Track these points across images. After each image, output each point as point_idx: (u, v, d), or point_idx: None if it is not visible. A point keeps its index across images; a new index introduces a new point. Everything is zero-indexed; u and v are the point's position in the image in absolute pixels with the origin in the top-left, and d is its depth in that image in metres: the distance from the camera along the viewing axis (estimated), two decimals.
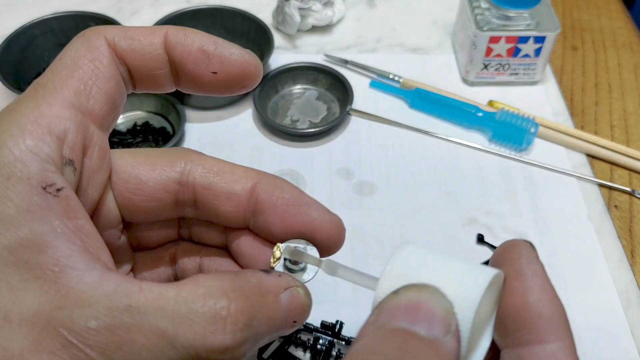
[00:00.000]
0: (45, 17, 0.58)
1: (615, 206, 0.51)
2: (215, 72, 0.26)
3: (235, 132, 0.55)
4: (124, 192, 0.26)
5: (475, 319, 0.20)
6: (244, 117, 0.57)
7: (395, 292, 0.21)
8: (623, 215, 0.50)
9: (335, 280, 0.45)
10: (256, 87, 0.55)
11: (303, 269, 0.26)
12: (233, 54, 0.26)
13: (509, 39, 0.56)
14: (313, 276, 0.26)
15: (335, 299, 0.44)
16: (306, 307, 0.25)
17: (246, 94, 0.58)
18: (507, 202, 0.50)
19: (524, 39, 0.56)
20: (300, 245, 0.26)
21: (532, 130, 0.53)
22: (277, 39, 0.63)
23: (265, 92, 0.57)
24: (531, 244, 0.23)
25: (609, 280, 0.46)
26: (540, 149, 0.55)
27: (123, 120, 0.55)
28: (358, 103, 0.57)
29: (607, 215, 0.50)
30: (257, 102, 0.55)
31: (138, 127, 0.55)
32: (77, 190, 0.23)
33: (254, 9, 0.62)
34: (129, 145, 0.54)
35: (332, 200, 0.50)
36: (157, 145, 0.53)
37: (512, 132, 0.53)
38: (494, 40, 0.56)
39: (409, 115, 0.57)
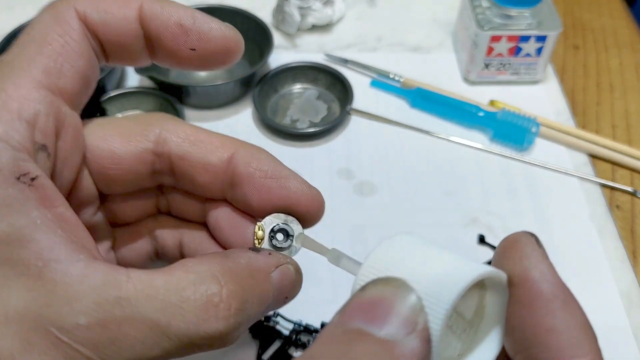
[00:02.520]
0: None
1: (617, 206, 0.50)
2: (193, 49, 0.24)
3: (234, 131, 0.55)
4: (99, 167, 0.24)
5: (446, 320, 0.18)
6: (244, 117, 0.56)
7: (362, 288, 0.19)
8: (625, 216, 0.50)
9: (335, 280, 0.45)
10: (256, 87, 0.56)
11: (289, 245, 0.25)
12: (212, 30, 0.25)
13: (510, 38, 0.56)
14: (298, 250, 0.25)
15: (336, 299, 0.44)
16: (297, 283, 0.25)
17: (245, 94, 0.58)
18: (508, 202, 0.50)
19: (525, 38, 0.56)
20: (280, 220, 0.25)
21: (534, 129, 0.53)
22: (277, 38, 0.62)
23: (264, 91, 0.57)
24: (536, 238, 0.21)
25: (611, 280, 0.45)
26: (541, 149, 0.54)
27: None
28: (358, 103, 0.57)
29: (609, 215, 0.49)
30: (257, 101, 0.55)
31: None
32: (52, 175, 0.22)
33: (254, 8, 0.62)
34: None
35: (332, 200, 0.50)
36: None
37: (513, 131, 0.53)
38: (495, 39, 0.56)
39: (410, 115, 0.57)
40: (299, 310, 0.43)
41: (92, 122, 0.25)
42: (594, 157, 0.54)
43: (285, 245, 0.25)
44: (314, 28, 0.65)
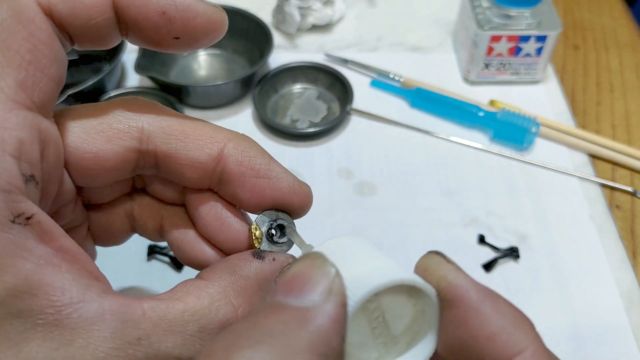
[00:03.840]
0: None
1: (617, 206, 0.50)
2: (177, 38, 0.22)
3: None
4: (79, 169, 0.23)
5: (362, 300, 0.18)
6: (244, 117, 0.56)
7: (288, 265, 0.20)
8: (625, 216, 0.50)
9: None
10: (256, 87, 0.56)
11: (287, 241, 0.25)
12: (198, 16, 0.22)
13: (510, 38, 0.56)
14: (292, 244, 0.26)
15: None
16: None
17: (246, 94, 0.58)
18: (508, 202, 0.50)
19: (525, 38, 0.56)
20: (272, 217, 0.25)
21: (534, 129, 0.53)
22: (277, 38, 0.62)
23: (265, 91, 0.57)
24: (442, 255, 0.21)
25: (611, 280, 0.45)
26: (541, 149, 0.54)
27: None
28: (358, 102, 0.57)
29: (609, 215, 0.49)
30: (257, 101, 0.55)
31: None
32: (40, 198, 0.21)
33: (254, 8, 0.62)
34: None
35: (332, 200, 0.50)
36: None
37: (513, 131, 0.53)
38: (495, 39, 0.56)
39: (410, 114, 0.57)
40: None
41: (68, 116, 0.23)
42: (594, 157, 0.54)
43: (282, 241, 0.25)
44: (314, 28, 0.65)
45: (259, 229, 0.25)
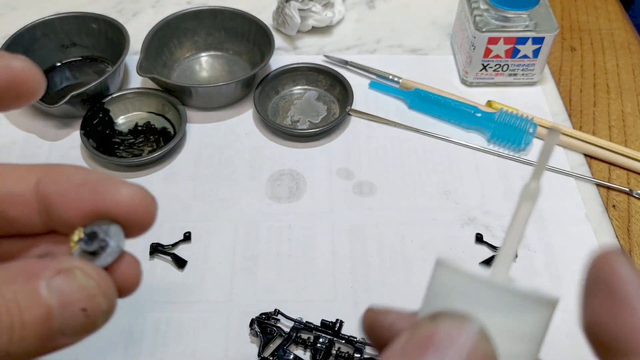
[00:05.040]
0: (47, 18, 0.59)
1: (614, 206, 0.51)
2: None
3: (235, 132, 0.56)
4: None
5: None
6: (245, 118, 0.57)
7: (432, 318, 0.18)
8: (621, 215, 0.50)
9: (334, 280, 0.45)
10: (257, 88, 0.56)
11: (100, 250, 0.22)
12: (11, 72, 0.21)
13: (507, 40, 0.56)
14: (113, 259, 0.22)
15: (335, 297, 0.44)
16: (91, 290, 0.20)
17: (247, 95, 0.58)
18: (505, 201, 0.51)
19: (523, 40, 0.56)
20: (102, 225, 0.22)
21: (531, 130, 0.54)
22: (278, 40, 0.63)
23: (265, 92, 0.57)
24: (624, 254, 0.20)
25: None
26: (538, 149, 0.55)
27: (124, 121, 0.56)
28: (358, 103, 0.58)
29: (605, 214, 0.50)
30: (258, 102, 0.56)
31: (139, 128, 0.55)
32: None
33: (255, 10, 0.63)
34: (131, 146, 0.54)
35: (332, 200, 0.50)
36: (159, 146, 0.54)
37: (510, 132, 0.54)
38: (493, 41, 0.56)
39: (409, 115, 0.58)
40: (300, 309, 0.43)
41: None
42: (590, 157, 0.54)
43: (91, 248, 0.22)
44: (314, 30, 0.65)
45: (80, 235, 0.22)
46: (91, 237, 0.21)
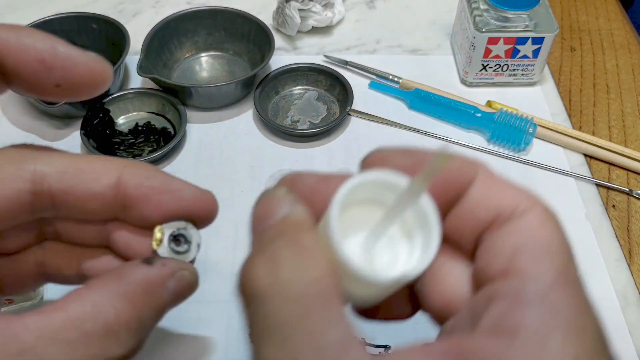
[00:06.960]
0: (47, 18, 0.59)
1: (613, 206, 0.51)
2: (58, 85, 0.23)
3: (236, 132, 0.56)
4: None
5: (339, 202, 0.21)
6: (245, 118, 0.57)
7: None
8: (621, 215, 0.50)
9: None
10: (257, 88, 0.56)
11: (187, 250, 0.26)
12: (78, 65, 0.23)
13: (507, 40, 0.56)
14: (197, 253, 0.26)
15: None
16: (193, 285, 0.25)
17: (247, 95, 0.58)
18: None
19: (523, 40, 0.56)
20: (178, 226, 0.25)
21: (531, 130, 0.54)
22: (278, 40, 0.63)
23: (265, 93, 0.57)
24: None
25: (607, 279, 0.46)
26: (538, 149, 0.55)
27: (124, 121, 0.56)
28: (358, 104, 0.58)
29: (605, 215, 0.50)
30: (258, 103, 0.56)
31: (139, 128, 0.55)
32: None
33: (255, 11, 0.63)
34: (131, 146, 0.54)
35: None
36: (159, 146, 0.54)
37: (510, 132, 0.54)
38: (493, 41, 0.56)
39: (408, 115, 0.58)
40: None
41: None
42: (590, 157, 0.55)
43: (181, 249, 0.25)
44: (314, 30, 0.65)
45: (163, 233, 0.25)
46: (177, 238, 0.25)
